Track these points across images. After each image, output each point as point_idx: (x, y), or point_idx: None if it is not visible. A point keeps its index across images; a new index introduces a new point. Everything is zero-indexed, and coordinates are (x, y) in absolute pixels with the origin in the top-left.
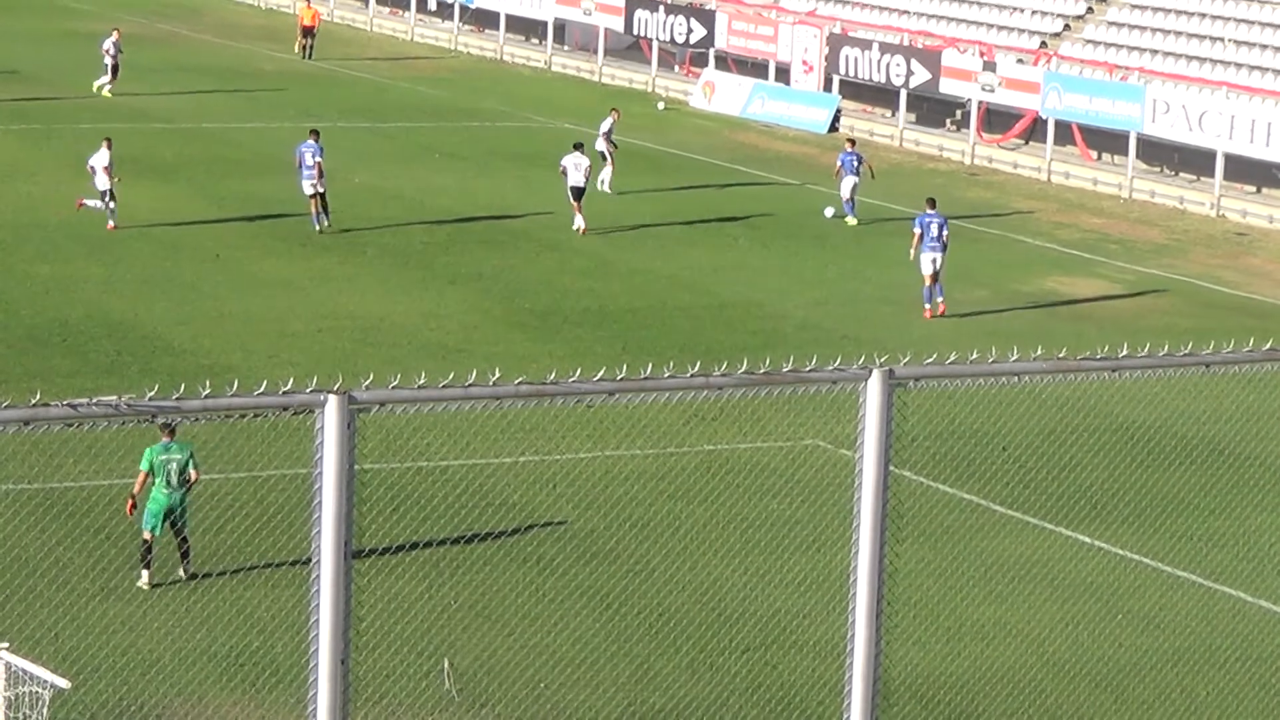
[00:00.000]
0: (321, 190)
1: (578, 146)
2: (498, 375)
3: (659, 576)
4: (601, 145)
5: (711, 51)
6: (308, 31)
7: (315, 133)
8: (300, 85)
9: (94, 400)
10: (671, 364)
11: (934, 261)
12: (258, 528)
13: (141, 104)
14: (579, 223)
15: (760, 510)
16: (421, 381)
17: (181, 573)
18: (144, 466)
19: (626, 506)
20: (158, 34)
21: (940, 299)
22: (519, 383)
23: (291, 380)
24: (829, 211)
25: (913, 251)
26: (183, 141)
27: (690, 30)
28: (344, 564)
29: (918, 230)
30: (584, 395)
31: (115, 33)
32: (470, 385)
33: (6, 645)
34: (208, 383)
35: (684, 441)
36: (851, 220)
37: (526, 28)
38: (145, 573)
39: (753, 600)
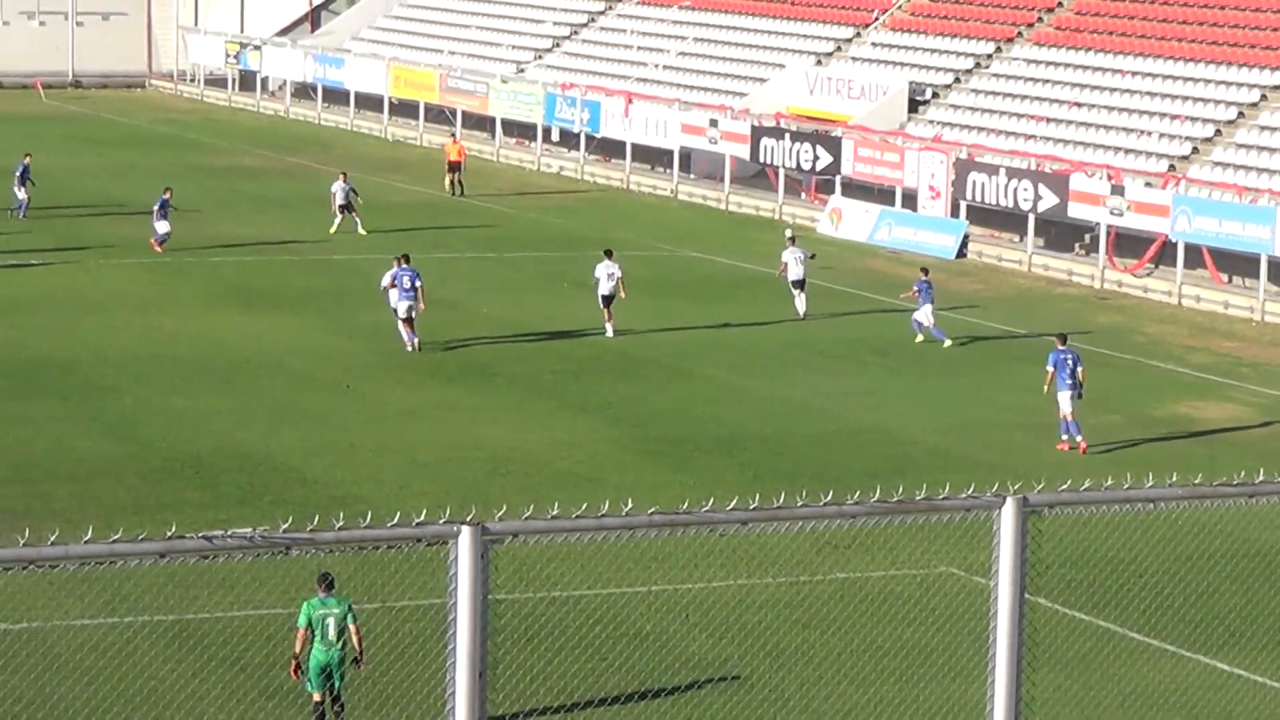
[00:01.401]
0: (416, 314)
1: (608, 254)
2: (630, 505)
3: (793, 705)
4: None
5: (838, 178)
6: (455, 167)
7: (407, 257)
8: (428, 217)
9: (228, 532)
10: (804, 492)
11: (1070, 399)
12: (393, 658)
13: (273, 235)
14: (610, 331)
15: (893, 638)
16: (554, 512)
17: None
18: (302, 623)
19: (759, 635)
20: (287, 167)
21: (1080, 438)
22: (652, 512)
23: (425, 512)
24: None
25: (1047, 388)
26: (312, 273)
27: (816, 157)
28: (478, 695)
29: (1051, 368)
30: (717, 525)
31: (342, 176)
32: (603, 515)
33: None
34: (340, 514)
35: (816, 569)
36: (947, 343)
37: (652, 156)
38: None
39: None
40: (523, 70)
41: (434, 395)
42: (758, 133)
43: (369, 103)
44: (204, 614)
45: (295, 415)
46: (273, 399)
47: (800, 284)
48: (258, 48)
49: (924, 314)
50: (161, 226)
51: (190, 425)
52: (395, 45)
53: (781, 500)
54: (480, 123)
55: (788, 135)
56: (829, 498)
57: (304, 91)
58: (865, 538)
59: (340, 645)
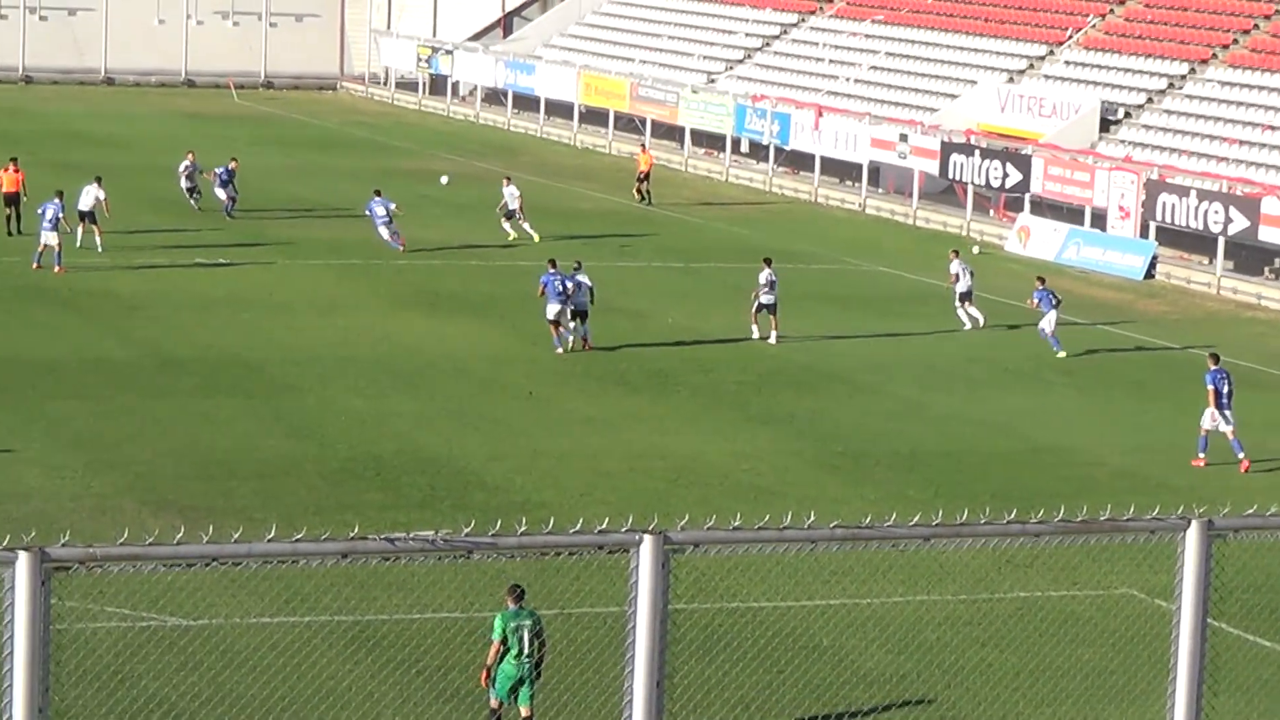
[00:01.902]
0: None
1: (767, 262)
2: (812, 519)
3: None
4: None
5: (1027, 196)
6: (644, 177)
7: (554, 262)
8: (615, 226)
9: (410, 535)
10: (988, 509)
11: (1229, 418)
12: (571, 665)
13: (459, 239)
14: (772, 337)
15: (1072, 659)
16: (736, 523)
17: None
18: (496, 636)
19: (937, 652)
20: (475, 172)
21: (1242, 455)
22: (833, 526)
23: (606, 520)
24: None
25: (1212, 410)
26: (497, 278)
27: (1006, 175)
28: (656, 704)
29: (1211, 387)
30: (899, 540)
31: (507, 178)
32: (785, 528)
33: None
34: (522, 520)
35: (996, 587)
36: (1061, 354)
37: (841, 170)
38: None
39: None
40: (713, 81)
41: (617, 404)
42: (947, 149)
43: (559, 110)
44: (382, 616)
45: (477, 420)
46: (455, 403)
47: (968, 295)
48: (449, 52)
49: (1047, 321)
50: (221, 194)
51: (373, 426)
52: (586, 53)
53: (964, 517)
54: (669, 132)
55: (978, 152)
56: (1012, 516)
57: (494, 97)
58: (1046, 557)
59: (535, 660)
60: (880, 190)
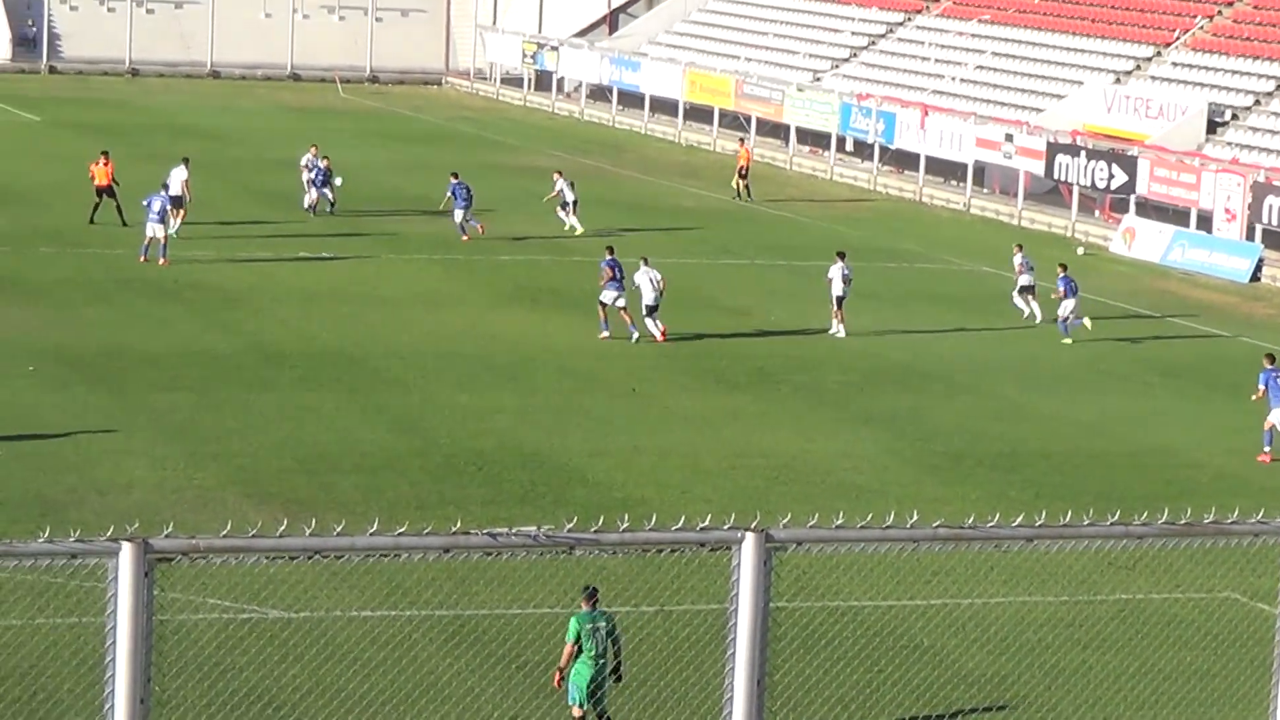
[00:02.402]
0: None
1: (841, 255)
2: (915, 518)
3: None
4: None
5: (1132, 198)
6: (743, 172)
7: (611, 249)
8: (719, 223)
9: (513, 530)
10: (1091, 510)
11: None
12: (671, 662)
13: (561, 236)
14: (841, 330)
15: (1173, 662)
16: (839, 522)
17: None
18: (570, 638)
19: (1038, 653)
20: (581, 169)
21: (1268, 449)
22: (936, 526)
23: (708, 517)
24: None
25: (1255, 398)
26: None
27: (1111, 176)
28: (756, 702)
29: (1262, 386)
30: (1002, 540)
31: (558, 171)
32: (888, 527)
33: None
34: (625, 516)
35: (1097, 589)
36: (1067, 340)
37: (946, 169)
38: None
39: None
40: (819, 79)
41: (718, 401)
42: (1053, 149)
43: (664, 106)
44: (482, 610)
45: (578, 416)
46: (557, 399)
47: (1030, 289)
48: (555, 48)
49: (1064, 308)
50: (317, 193)
51: (474, 421)
52: (692, 50)
53: (1067, 518)
54: (774, 130)
55: (1083, 153)
56: (1115, 518)
57: (599, 93)
58: (1148, 559)
59: (609, 661)
60: (985, 190)
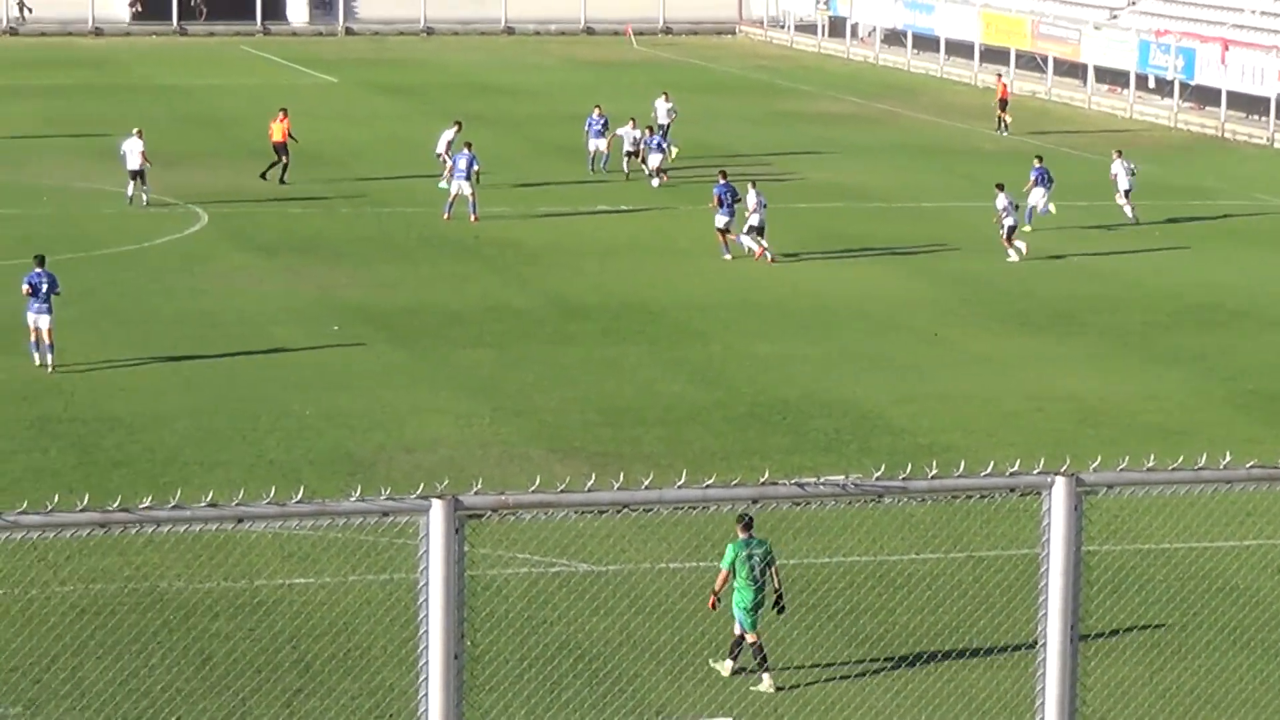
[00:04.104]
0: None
1: (1000, 187)
2: (1228, 459)
3: None
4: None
5: None
6: (1003, 104)
7: (724, 171)
8: (1015, 164)
9: (820, 480)
10: None
11: None
12: (981, 608)
13: (859, 182)
14: (1013, 255)
15: None
16: (1150, 464)
17: (765, 684)
18: (725, 565)
19: None
20: (875, 113)
21: None
22: (1250, 466)
23: (1016, 462)
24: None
25: None
26: (898, 220)
27: None
28: (1070, 647)
29: None
30: None
31: (632, 119)
32: (1200, 469)
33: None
34: (933, 463)
35: None
36: (1027, 228)
37: (1249, 104)
38: (729, 663)
39: None
40: (1116, 17)
41: (1021, 344)
42: None
43: (958, 49)
44: (791, 560)
45: (880, 362)
46: (857, 346)
47: (1128, 193)
48: None
49: (1035, 196)
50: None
51: (776, 371)
52: None
53: None
54: (1071, 70)
55: None
56: None
57: (893, 37)
58: None
59: (764, 585)
60: None
